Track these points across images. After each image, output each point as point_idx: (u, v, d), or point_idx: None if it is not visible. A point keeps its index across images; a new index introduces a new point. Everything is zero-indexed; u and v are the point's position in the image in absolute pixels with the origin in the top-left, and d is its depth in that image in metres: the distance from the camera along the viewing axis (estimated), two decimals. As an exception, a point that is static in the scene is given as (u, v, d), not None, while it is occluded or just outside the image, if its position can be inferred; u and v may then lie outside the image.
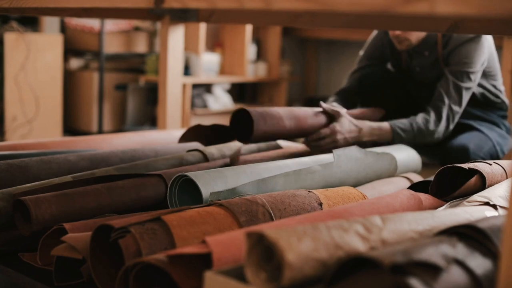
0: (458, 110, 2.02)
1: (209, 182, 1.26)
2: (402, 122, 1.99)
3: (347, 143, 1.84)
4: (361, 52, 2.31)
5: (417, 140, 2.00)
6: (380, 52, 2.27)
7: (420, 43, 2.11)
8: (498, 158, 2.07)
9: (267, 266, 0.86)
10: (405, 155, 1.73)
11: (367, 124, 1.92)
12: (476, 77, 2.04)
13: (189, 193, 1.30)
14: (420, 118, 2.00)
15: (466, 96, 2.03)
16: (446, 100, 2.01)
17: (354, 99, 2.23)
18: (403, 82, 2.26)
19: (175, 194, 1.29)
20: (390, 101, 2.20)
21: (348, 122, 1.86)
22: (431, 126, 2.00)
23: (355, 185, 1.54)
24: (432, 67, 2.14)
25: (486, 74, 2.12)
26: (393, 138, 1.96)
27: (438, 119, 2.00)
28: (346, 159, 1.52)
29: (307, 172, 1.43)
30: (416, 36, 2.07)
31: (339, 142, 1.82)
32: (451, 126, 2.03)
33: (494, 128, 2.15)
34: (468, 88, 2.02)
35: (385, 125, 1.96)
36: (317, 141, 1.81)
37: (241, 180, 1.32)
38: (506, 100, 2.20)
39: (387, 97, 2.19)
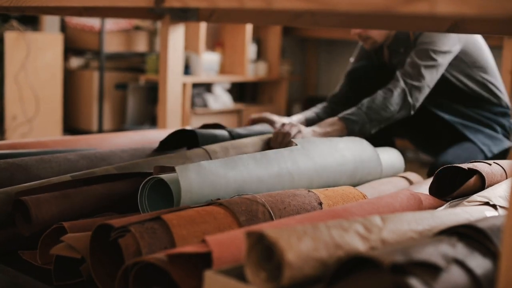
0: (418, 84, 1.96)
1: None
2: (349, 109, 1.95)
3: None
4: (351, 59, 2.33)
5: (374, 118, 1.93)
6: (366, 55, 2.27)
7: (393, 41, 2.10)
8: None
9: (267, 266, 0.86)
10: (387, 155, 1.72)
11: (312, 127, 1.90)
12: (440, 57, 1.98)
13: (160, 192, 1.27)
14: (366, 99, 1.96)
15: (427, 73, 1.97)
16: (399, 75, 1.97)
17: (345, 103, 2.20)
18: (388, 77, 2.24)
19: (146, 196, 1.25)
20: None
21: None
22: (379, 99, 1.94)
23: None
24: None
25: (470, 65, 2.08)
26: (347, 126, 1.90)
27: (386, 91, 1.95)
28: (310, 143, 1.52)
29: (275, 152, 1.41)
30: (378, 33, 2.04)
31: (300, 134, 1.79)
32: (411, 99, 1.96)
33: (482, 129, 2.10)
34: (429, 66, 1.97)
35: (332, 118, 1.93)
36: (279, 144, 1.76)
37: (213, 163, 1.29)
38: (505, 98, 2.16)
39: (374, 88, 2.16)
